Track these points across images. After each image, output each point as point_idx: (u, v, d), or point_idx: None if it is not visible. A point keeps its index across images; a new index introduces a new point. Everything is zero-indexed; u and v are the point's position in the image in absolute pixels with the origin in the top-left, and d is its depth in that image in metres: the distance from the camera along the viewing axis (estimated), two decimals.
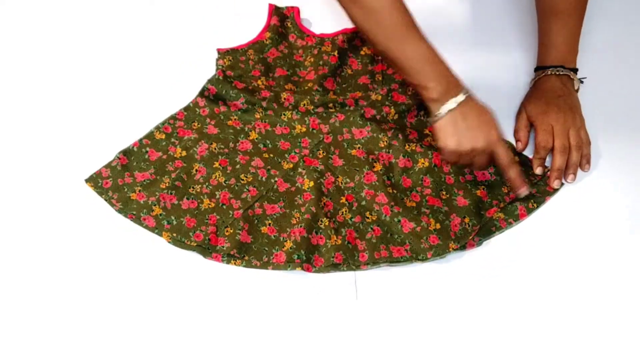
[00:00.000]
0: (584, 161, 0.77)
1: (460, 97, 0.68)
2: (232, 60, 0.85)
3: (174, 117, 0.80)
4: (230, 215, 0.72)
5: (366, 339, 0.65)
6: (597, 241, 0.71)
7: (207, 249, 0.70)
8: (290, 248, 0.69)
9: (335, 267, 0.69)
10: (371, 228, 0.71)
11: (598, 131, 0.80)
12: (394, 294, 0.68)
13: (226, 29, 0.91)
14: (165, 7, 0.94)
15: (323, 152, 0.78)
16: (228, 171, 0.76)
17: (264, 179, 0.76)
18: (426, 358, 0.64)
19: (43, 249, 0.70)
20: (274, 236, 0.71)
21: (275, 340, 0.65)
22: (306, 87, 0.84)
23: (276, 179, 0.76)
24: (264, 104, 0.82)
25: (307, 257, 0.69)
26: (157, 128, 0.79)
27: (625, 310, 0.67)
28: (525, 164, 0.77)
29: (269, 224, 0.72)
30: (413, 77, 0.69)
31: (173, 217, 0.72)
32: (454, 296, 0.68)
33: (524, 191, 0.69)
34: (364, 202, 0.73)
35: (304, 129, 0.80)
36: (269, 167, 0.77)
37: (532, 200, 0.74)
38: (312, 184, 0.74)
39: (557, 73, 0.79)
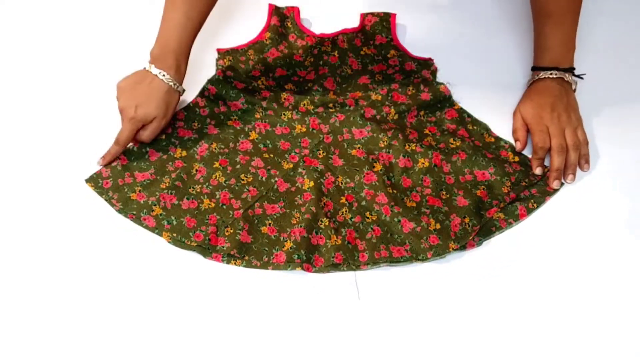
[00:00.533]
0: (583, 161, 0.77)
1: None
2: (232, 60, 0.85)
3: (174, 117, 0.80)
4: (231, 215, 0.72)
5: (366, 339, 0.65)
6: (597, 241, 0.71)
7: (207, 249, 0.70)
8: (291, 248, 0.69)
9: (335, 267, 0.69)
10: (371, 228, 0.71)
11: (597, 131, 0.80)
12: (394, 294, 0.68)
13: (226, 29, 0.91)
14: None
15: (323, 152, 0.78)
16: (228, 171, 0.76)
17: (264, 179, 0.76)
18: (427, 358, 0.64)
19: (43, 249, 0.70)
20: (274, 236, 0.71)
21: (276, 341, 0.65)
22: (306, 87, 0.84)
23: (276, 179, 0.76)
24: (264, 104, 0.82)
25: (307, 257, 0.69)
26: None
27: (625, 310, 0.67)
28: (525, 164, 0.77)
29: (269, 224, 0.72)
30: None
31: (173, 217, 0.72)
32: (454, 296, 0.68)
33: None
34: (364, 202, 0.73)
35: (304, 129, 0.80)
36: (269, 167, 0.77)
37: (532, 200, 0.74)
38: (312, 184, 0.74)
39: (551, 76, 0.79)
